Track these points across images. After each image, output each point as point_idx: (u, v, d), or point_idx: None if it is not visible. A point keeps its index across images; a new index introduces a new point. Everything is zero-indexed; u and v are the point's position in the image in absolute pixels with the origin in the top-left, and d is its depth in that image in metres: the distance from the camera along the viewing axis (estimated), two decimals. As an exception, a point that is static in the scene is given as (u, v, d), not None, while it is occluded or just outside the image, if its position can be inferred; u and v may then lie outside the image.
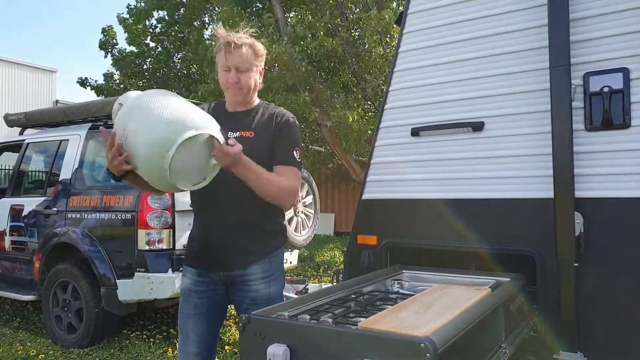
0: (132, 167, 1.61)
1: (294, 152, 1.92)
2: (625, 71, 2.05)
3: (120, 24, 11.31)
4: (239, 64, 1.86)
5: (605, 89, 2.08)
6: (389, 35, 7.45)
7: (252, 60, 1.90)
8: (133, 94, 1.72)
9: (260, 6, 9.67)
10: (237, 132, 1.91)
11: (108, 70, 11.65)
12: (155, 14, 11.34)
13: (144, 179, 1.66)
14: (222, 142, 1.63)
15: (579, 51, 2.14)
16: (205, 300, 1.94)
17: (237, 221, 1.89)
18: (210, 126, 1.64)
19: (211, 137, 1.62)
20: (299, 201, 4.99)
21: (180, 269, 3.75)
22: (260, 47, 1.94)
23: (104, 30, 11.48)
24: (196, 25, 11.09)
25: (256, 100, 2.01)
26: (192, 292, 1.94)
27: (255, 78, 1.94)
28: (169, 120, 1.56)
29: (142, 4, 11.06)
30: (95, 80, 11.45)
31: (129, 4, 11.22)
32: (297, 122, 2.02)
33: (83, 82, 11.34)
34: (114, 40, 11.62)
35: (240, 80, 1.88)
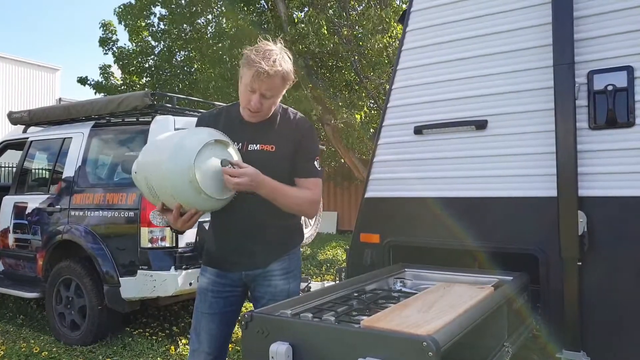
0: (177, 207, 1.75)
1: (315, 162, 1.92)
2: (629, 69, 2.04)
3: (120, 22, 11.28)
4: (265, 91, 1.79)
5: (610, 87, 2.07)
6: (389, 34, 7.44)
7: (280, 88, 1.83)
8: (140, 157, 1.85)
9: (263, 3, 9.67)
10: (258, 145, 1.88)
11: (103, 64, 11.58)
12: (154, 10, 11.30)
13: (190, 208, 1.76)
14: (233, 162, 1.74)
15: (583, 49, 2.13)
16: (220, 300, 1.95)
17: (256, 221, 1.89)
18: (213, 133, 1.80)
19: (217, 141, 1.75)
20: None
21: (183, 266, 3.76)
22: (291, 74, 1.83)
23: (103, 25, 11.44)
24: (200, 22, 11.09)
25: None
26: (208, 292, 1.96)
27: (278, 100, 1.89)
28: (176, 149, 1.70)
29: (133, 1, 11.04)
30: (93, 79, 11.44)
31: (123, 4, 11.17)
32: (313, 127, 2.01)
33: (83, 81, 11.34)
34: (115, 36, 11.59)
35: (263, 105, 1.82)
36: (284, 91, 1.88)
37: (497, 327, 1.74)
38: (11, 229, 4.73)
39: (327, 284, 4.21)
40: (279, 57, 1.78)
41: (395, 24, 7.26)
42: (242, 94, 1.85)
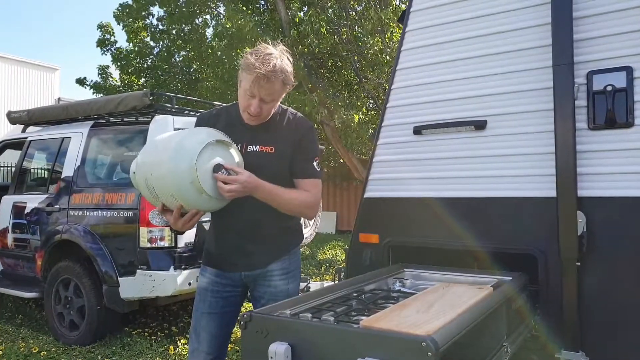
0: (178, 208, 1.74)
1: (314, 163, 1.91)
2: (628, 70, 2.04)
3: (118, 23, 11.28)
4: (265, 96, 1.77)
5: (609, 88, 2.07)
6: (387, 34, 7.47)
7: (280, 92, 1.81)
8: (139, 158, 1.84)
9: (263, 3, 9.66)
10: (257, 146, 1.87)
11: (101, 65, 11.59)
12: (153, 10, 11.30)
13: (191, 209, 1.76)
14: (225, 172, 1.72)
15: (582, 49, 2.13)
16: (220, 300, 1.95)
17: (256, 221, 1.89)
18: (213, 133, 1.79)
19: (218, 141, 1.75)
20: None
21: (183, 266, 3.76)
22: (292, 78, 1.82)
23: (101, 27, 11.44)
24: (198, 22, 11.08)
25: None
26: (207, 292, 1.96)
27: (278, 103, 1.88)
28: (177, 149, 1.70)
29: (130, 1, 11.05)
30: (92, 80, 11.44)
31: (121, 4, 11.17)
32: (313, 127, 2.00)
33: (82, 82, 11.35)
34: (113, 38, 11.59)
35: (262, 110, 1.80)
36: (284, 94, 1.86)
37: (496, 327, 1.74)
38: (10, 228, 4.72)
39: (326, 284, 4.21)
40: (278, 61, 1.75)
41: (394, 25, 7.27)
42: (241, 98, 1.83)
